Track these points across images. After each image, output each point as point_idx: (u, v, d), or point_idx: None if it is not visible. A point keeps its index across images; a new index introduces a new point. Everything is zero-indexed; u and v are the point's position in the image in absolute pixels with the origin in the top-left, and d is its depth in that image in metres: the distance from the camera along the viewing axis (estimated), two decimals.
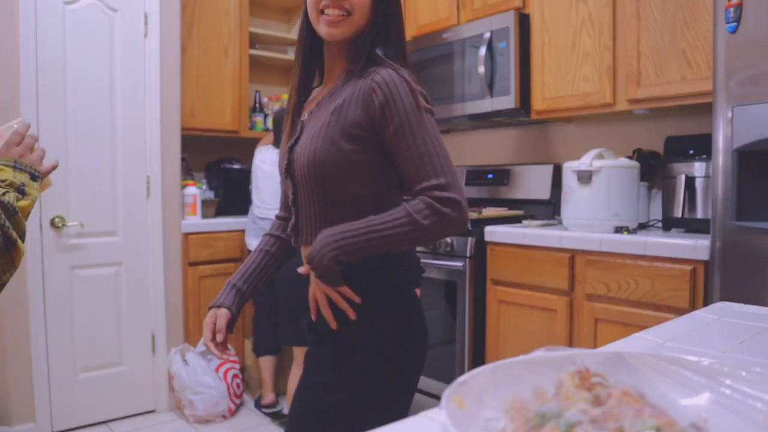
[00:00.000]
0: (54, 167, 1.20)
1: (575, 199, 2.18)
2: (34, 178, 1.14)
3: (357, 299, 1.09)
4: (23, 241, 1.06)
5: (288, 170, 1.16)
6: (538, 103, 2.54)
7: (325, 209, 1.11)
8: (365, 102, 1.06)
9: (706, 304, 1.77)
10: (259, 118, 3.51)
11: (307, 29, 1.19)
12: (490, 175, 3.02)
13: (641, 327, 1.85)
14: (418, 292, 2.09)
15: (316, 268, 1.05)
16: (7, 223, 1.02)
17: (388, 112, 1.05)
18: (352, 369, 1.10)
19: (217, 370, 2.90)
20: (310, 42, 1.20)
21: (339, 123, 1.08)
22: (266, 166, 2.94)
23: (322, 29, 1.12)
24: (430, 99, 1.13)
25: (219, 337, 1.18)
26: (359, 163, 1.09)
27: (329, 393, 1.10)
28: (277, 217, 1.34)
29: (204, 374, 2.80)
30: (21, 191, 1.09)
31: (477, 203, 3.03)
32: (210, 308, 1.22)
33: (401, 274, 1.19)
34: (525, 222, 2.50)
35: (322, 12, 1.10)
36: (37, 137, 1.18)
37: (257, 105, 3.54)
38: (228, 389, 2.87)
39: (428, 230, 1.02)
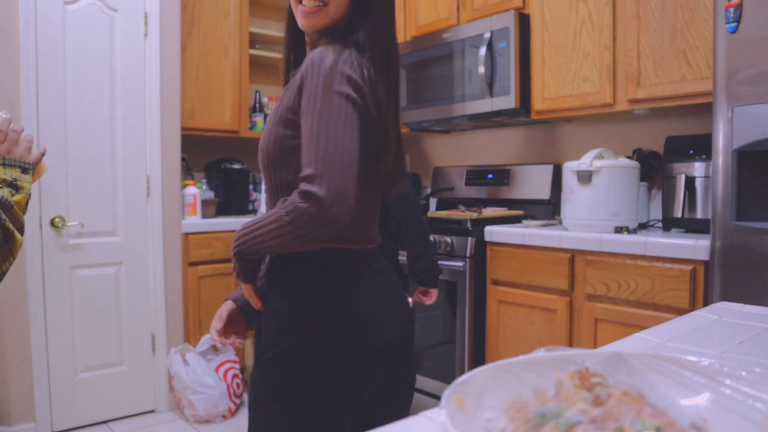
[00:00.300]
0: (42, 154, 1.22)
1: (575, 199, 2.18)
2: (24, 170, 1.16)
3: (256, 304, 1.11)
4: (22, 233, 1.08)
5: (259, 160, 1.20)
6: (538, 103, 2.54)
7: (273, 197, 1.11)
8: (295, 84, 1.03)
9: (706, 304, 1.77)
10: (259, 118, 3.51)
11: (290, 20, 1.19)
12: (490, 175, 3.02)
13: (641, 327, 1.85)
14: (434, 293, 2.12)
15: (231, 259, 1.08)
16: (4, 217, 1.04)
17: (303, 91, 1.00)
18: (263, 366, 1.08)
19: (217, 370, 2.90)
20: (294, 33, 1.20)
21: (278, 109, 1.07)
22: None
23: (299, 20, 1.11)
24: (364, 85, 1.02)
25: (217, 325, 1.21)
26: (293, 149, 1.04)
27: (253, 385, 1.11)
28: None
29: (204, 374, 2.80)
30: (14, 186, 1.11)
31: (477, 203, 3.03)
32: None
33: (328, 277, 1.07)
34: (525, 222, 2.50)
35: (299, 2, 1.09)
36: (22, 129, 1.20)
37: (257, 105, 3.54)
38: (228, 389, 2.87)
39: (289, 226, 0.95)
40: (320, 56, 1.00)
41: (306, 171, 0.95)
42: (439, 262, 2.46)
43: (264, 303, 1.13)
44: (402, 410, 1.18)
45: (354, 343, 1.06)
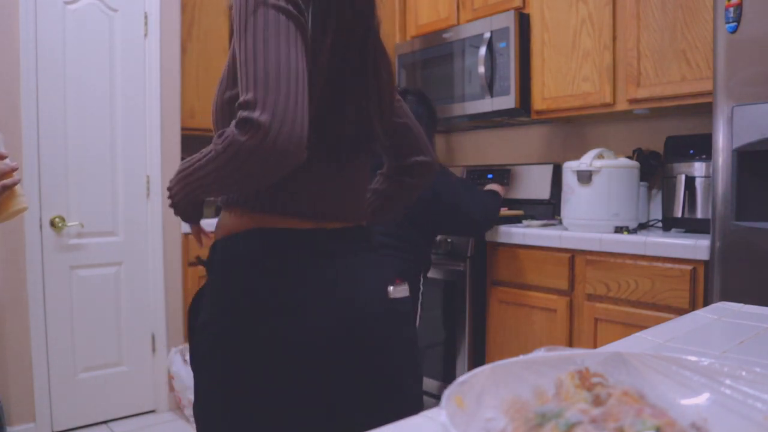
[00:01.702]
0: (5, 187, 1.16)
1: (575, 199, 2.18)
2: None
3: (198, 241, 1.09)
4: None
5: None
6: (538, 103, 2.54)
7: None
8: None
9: (706, 304, 1.77)
10: None
11: None
12: (490, 175, 3.02)
13: (641, 327, 1.85)
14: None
15: None
16: None
17: (232, 13, 0.87)
18: (194, 342, 1.02)
19: None
20: None
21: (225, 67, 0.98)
22: None
23: None
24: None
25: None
26: (228, 101, 0.95)
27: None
28: None
29: None
30: None
31: None
32: None
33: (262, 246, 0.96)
34: (525, 222, 2.50)
35: None
36: None
37: None
38: None
39: (220, 159, 0.84)
40: None
41: (244, 96, 0.80)
42: (439, 262, 2.46)
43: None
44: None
45: (244, 340, 0.93)
